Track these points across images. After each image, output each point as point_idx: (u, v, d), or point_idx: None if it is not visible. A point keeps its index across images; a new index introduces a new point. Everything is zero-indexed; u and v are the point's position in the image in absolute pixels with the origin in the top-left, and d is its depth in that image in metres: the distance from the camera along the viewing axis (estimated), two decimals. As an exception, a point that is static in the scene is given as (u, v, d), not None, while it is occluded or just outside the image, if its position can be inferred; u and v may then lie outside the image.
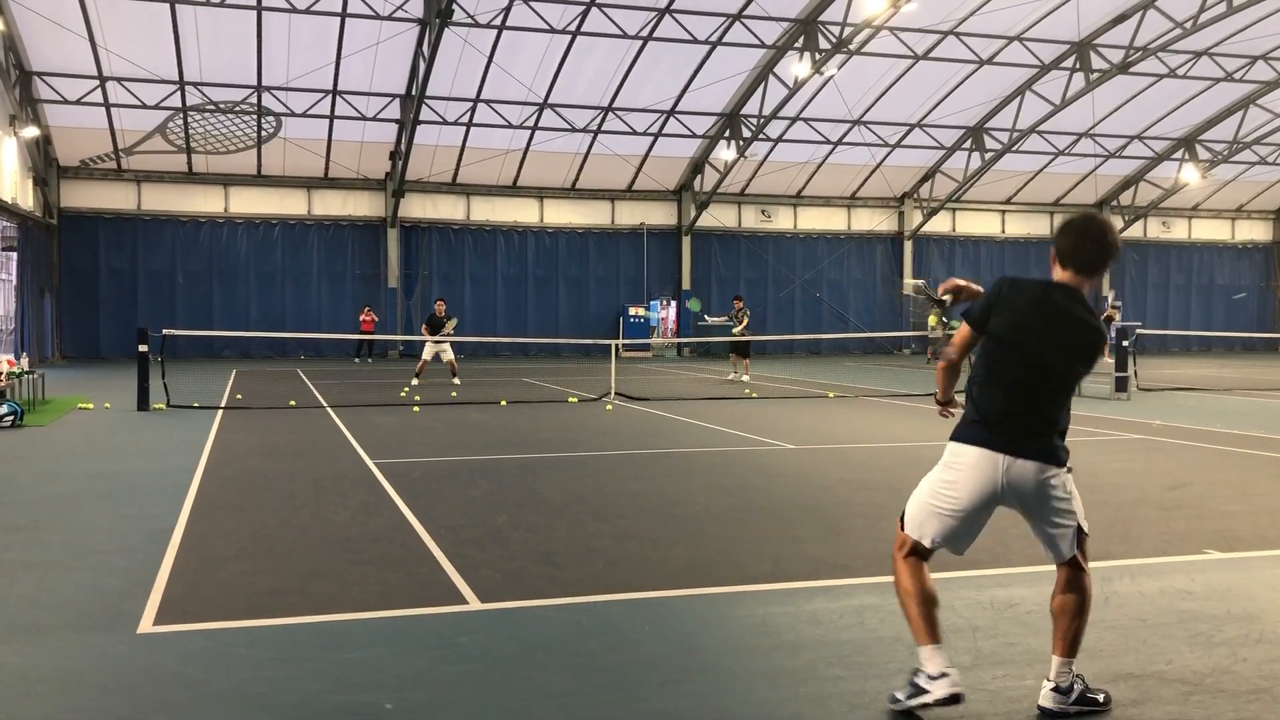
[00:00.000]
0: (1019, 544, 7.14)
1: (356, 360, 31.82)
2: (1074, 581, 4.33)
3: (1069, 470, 4.38)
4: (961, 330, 4.49)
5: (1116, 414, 16.16)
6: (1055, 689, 4.24)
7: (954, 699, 4.15)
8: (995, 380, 4.35)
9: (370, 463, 10.90)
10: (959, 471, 4.37)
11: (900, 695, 4.27)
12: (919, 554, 4.43)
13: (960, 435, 4.42)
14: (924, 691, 4.18)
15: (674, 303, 36.44)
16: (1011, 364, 4.32)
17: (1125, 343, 19.39)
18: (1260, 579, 6.32)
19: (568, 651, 5.00)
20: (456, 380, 22.10)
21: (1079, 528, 4.32)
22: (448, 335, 22.30)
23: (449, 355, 22.30)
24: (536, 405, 17.70)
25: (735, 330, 24.03)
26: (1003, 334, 4.34)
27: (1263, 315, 43.43)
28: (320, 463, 10.95)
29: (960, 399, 4.59)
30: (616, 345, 22.43)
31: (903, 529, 4.47)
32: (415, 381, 21.67)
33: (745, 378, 23.39)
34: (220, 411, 16.16)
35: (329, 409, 16.70)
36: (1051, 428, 4.36)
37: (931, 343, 28.88)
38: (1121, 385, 19.06)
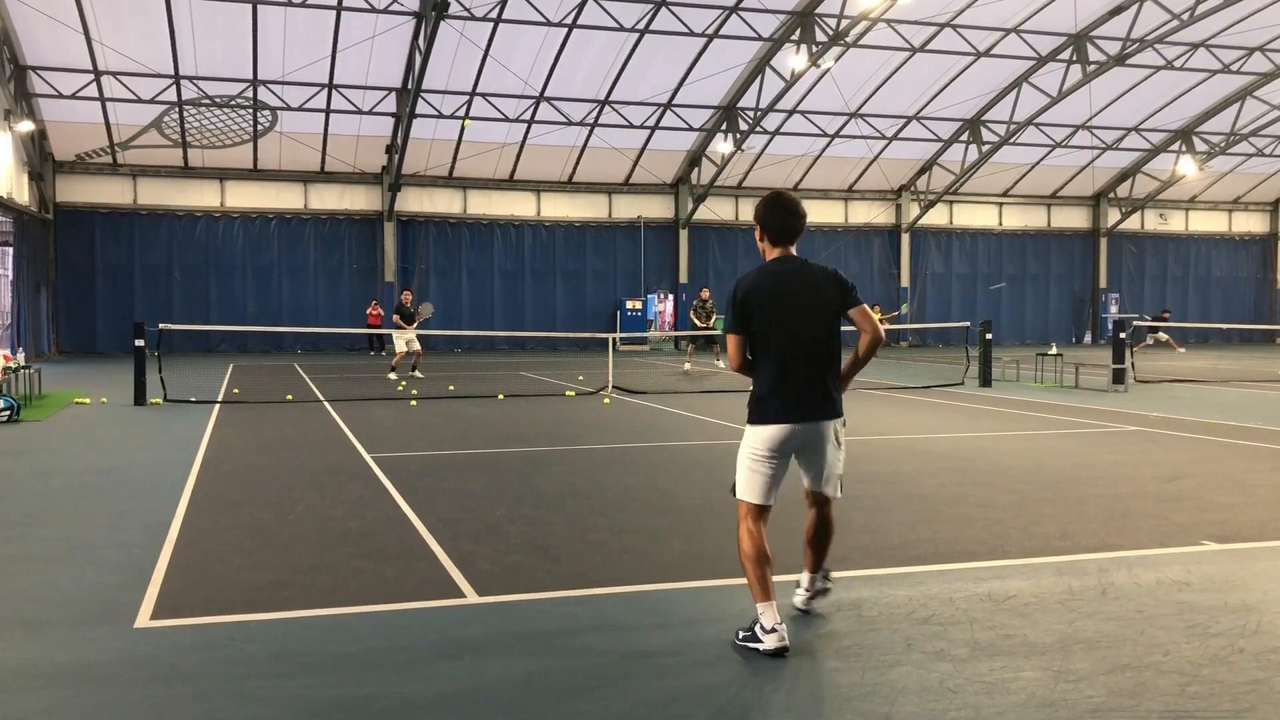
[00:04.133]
0: (1016, 536, 7.16)
1: (372, 353, 32.18)
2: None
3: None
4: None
5: (1113, 406, 16.17)
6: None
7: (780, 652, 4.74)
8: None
9: (367, 456, 10.89)
10: None
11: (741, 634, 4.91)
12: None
13: None
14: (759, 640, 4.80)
15: (671, 296, 36.44)
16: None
17: (1122, 335, 19.40)
18: (1257, 570, 6.33)
19: (565, 645, 5.00)
20: (418, 374, 22.09)
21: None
22: (420, 322, 22.13)
23: (417, 345, 22.11)
24: (534, 399, 17.69)
25: (704, 323, 23.99)
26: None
27: (1260, 307, 43.48)
28: (317, 457, 10.94)
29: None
30: (614, 339, 22.43)
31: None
32: (393, 376, 21.70)
33: (720, 364, 23.76)
34: (217, 406, 16.14)
35: (326, 403, 16.69)
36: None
37: None
38: (1118, 377, 19.08)
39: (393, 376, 21.61)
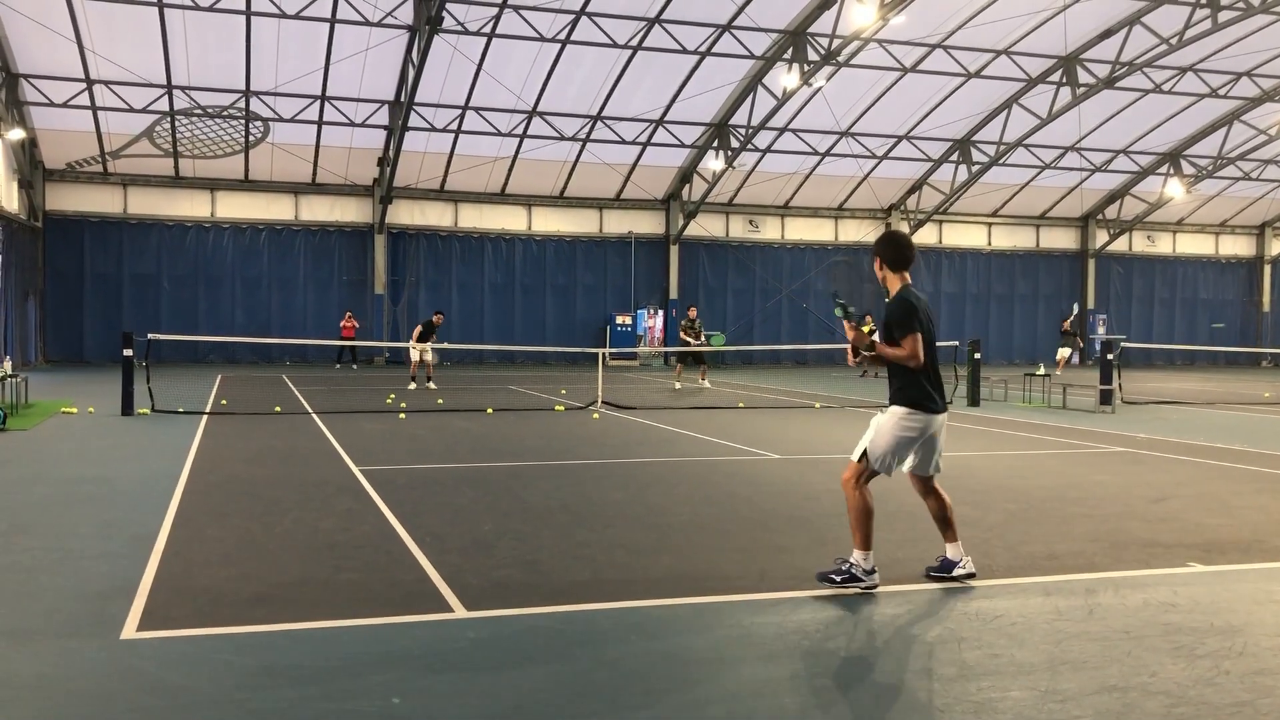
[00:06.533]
0: (1003, 556, 7.18)
1: (338, 366, 31.72)
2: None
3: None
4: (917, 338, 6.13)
5: (1101, 427, 16.23)
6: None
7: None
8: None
9: (356, 469, 10.87)
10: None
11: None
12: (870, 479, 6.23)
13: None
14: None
15: (661, 312, 36.48)
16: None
17: (1110, 356, 19.48)
18: (1243, 592, 6.36)
19: (552, 660, 5.00)
20: (432, 385, 22.81)
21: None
22: (433, 344, 23.57)
23: (430, 356, 23.45)
24: (523, 413, 17.68)
25: (695, 341, 24.07)
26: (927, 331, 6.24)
27: (1245, 330, 43.71)
28: (305, 469, 10.91)
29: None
30: (603, 354, 22.44)
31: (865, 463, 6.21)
32: (428, 385, 22.89)
33: (705, 383, 23.68)
34: (205, 417, 16.09)
35: (314, 415, 16.65)
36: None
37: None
38: (1106, 398, 19.15)
39: (413, 386, 22.72)
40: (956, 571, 6.32)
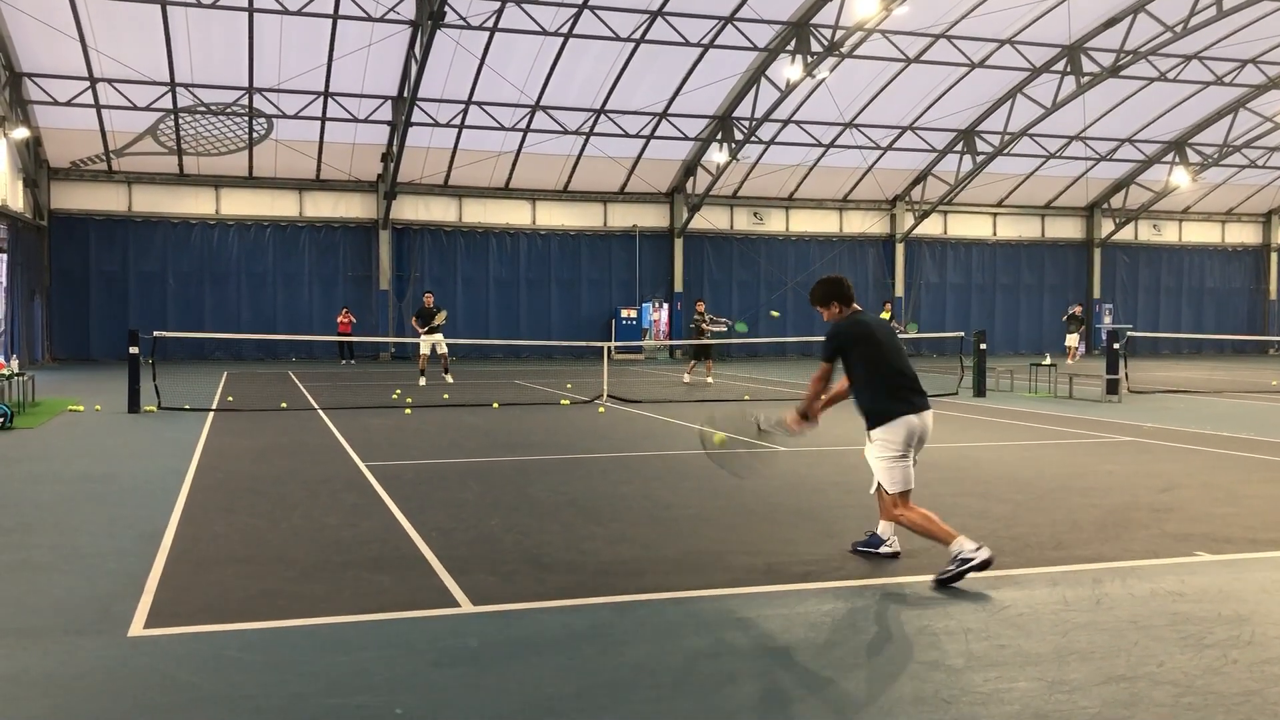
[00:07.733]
0: (1010, 547, 7.16)
1: (343, 362, 31.72)
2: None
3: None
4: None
5: (1107, 416, 16.20)
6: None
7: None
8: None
9: (362, 465, 10.88)
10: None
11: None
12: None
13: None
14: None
15: (666, 305, 36.46)
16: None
17: (1116, 345, 19.44)
18: (1251, 581, 6.34)
19: (560, 654, 5.00)
20: (449, 378, 22.41)
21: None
22: (438, 325, 22.53)
23: (443, 348, 22.68)
24: (529, 407, 17.68)
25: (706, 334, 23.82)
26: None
27: (1252, 318, 43.59)
28: (311, 465, 10.92)
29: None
30: (609, 347, 22.43)
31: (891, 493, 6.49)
32: (422, 381, 22.22)
33: (709, 379, 23.44)
34: (211, 414, 16.11)
35: (320, 411, 16.67)
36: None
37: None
38: (1112, 388, 19.11)
39: (422, 382, 22.14)
40: (883, 549, 6.75)
